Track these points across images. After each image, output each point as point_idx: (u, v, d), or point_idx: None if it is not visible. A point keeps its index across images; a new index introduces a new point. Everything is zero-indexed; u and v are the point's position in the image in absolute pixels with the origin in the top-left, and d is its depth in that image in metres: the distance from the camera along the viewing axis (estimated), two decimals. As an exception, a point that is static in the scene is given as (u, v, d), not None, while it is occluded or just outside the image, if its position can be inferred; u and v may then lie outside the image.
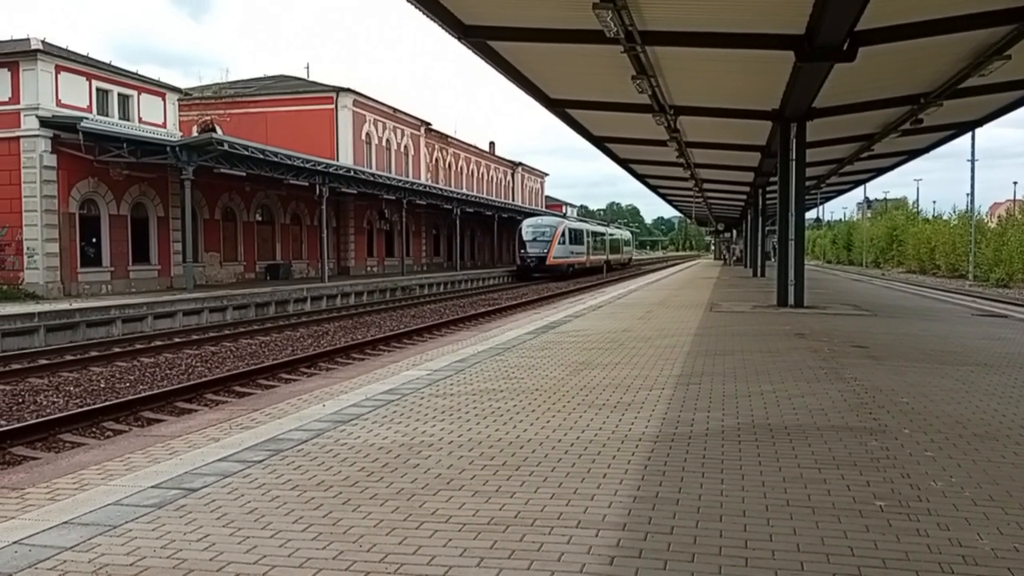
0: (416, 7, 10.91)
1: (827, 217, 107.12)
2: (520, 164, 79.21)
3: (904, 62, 13.58)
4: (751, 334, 12.41)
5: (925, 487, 4.48)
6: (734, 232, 70.92)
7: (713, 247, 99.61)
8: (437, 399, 7.24)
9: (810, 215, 62.20)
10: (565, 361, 9.49)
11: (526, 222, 53.60)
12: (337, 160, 39.29)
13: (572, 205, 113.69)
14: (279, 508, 4.19)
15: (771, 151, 21.55)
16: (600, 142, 24.50)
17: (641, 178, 38.06)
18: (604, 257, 65.64)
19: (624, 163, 31.24)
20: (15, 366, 14.04)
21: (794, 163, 17.03)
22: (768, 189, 31.78)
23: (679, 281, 34.32)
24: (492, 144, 75.78)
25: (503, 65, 14.55)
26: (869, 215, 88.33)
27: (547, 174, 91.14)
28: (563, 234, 52.49)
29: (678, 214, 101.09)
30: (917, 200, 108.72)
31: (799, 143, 16.86)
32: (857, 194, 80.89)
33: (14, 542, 3.77)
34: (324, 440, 5.74)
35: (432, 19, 11.50)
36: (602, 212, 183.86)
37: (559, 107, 18.61)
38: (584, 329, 13.43)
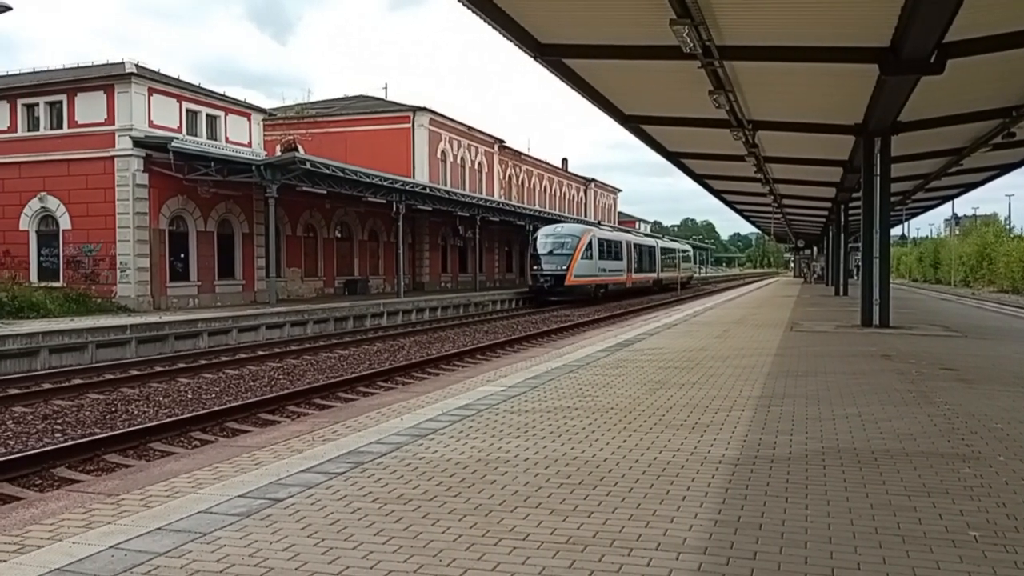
0: (494, 27, 11.07)
1: (913, 234, 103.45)
2: (593, 180, 79.09)
3: (994, 74, 13.07)
4: (834, 355, 12.06)
5: (1023, 517, 4.27)
6: (815, 249, 68.56)
7: (792, 264, 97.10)
8: (512, 415, 7.26)
9: (895, 232, 59.93)
10: (640, 380, 9.40)
11: (542, 230, 42.17)
12: (413, 178, 39.99)
13: (645, 221, 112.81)
14: (361, 520, 4.27)
15: (854, 166, 20.98)
16: (675, 158, 24.28)
17: (717, 194, 37.53)
18: (653, 275, 54.75)
19: (700, 179, 30.88)
20: (108, 376, 14.70)
21: (878, 178, 16.53)
22: (851, 205, 30.93)
23: (757, 299, 33.62)
24: (565, 161, 75.94)
25: (577, 82, 14.60)
26: (957, 232, 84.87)
27: (620, 190, 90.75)
28: (589, 245, 40.68)
29: (756, 230, 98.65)
30: (1009, 216, 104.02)
31: (883, 158, 16.37)
32: (945, 210, 78.11)
33: (111, 546, 3.94)
34: (403, 454, 5.83)
35: (509, 39, 11.64)
36: (676, 228, 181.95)
37: (634, 123, 18.55)
38: (659, 347, 13.29)
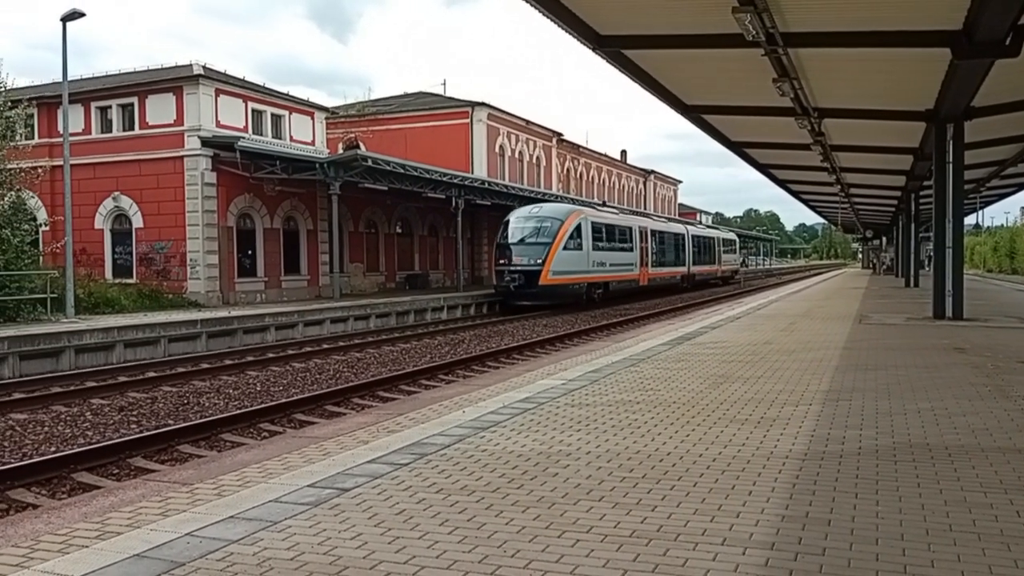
0: (553, 20, 11.04)
1: (987, 223, 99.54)
2: (652, 172, 78.29)
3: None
4: (905, 348, 11.72)
5: (1112, 518, 4.09)
6: (884, 239, 66.41)
7: (861, 255, 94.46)
8: (573, 409, 7.26)
9: (968, 220, 57.22)
10: (703, 373, 9.29)
11: (514, 212, 31.91)
12: (472, 173, 40.20)
13: (707, 212, 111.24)
14: (426, 510, 4.34)
15: (925, 154, 20.31)
16: (738, 147, 23.87)
17: (782, 183, 36.75)
18: (681, 270, 44.80)
19: (763, 168, 30.29)
20: (180, 369, 15.19)
21: (951, 166, 15.97)
22: (922, 193, 29.93)
23: (824, 291, 32.84)
24: (624, 152, 75.34)
25: (637, 73, 14.47)
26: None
27: (680, 181, 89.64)
28: (576, 231, 30.67)
29: (822, 220, 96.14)
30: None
31: (956, 145, 15.80)
32: (1021, 198, 74.84)
33: (186, 534, 4.08)
34: (465, 446, 5.88)
35: (568, 32, 11.60)
36: (739, 220, 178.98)
37: (695, 113, 18.30)
38: (722, 341, 13.10)
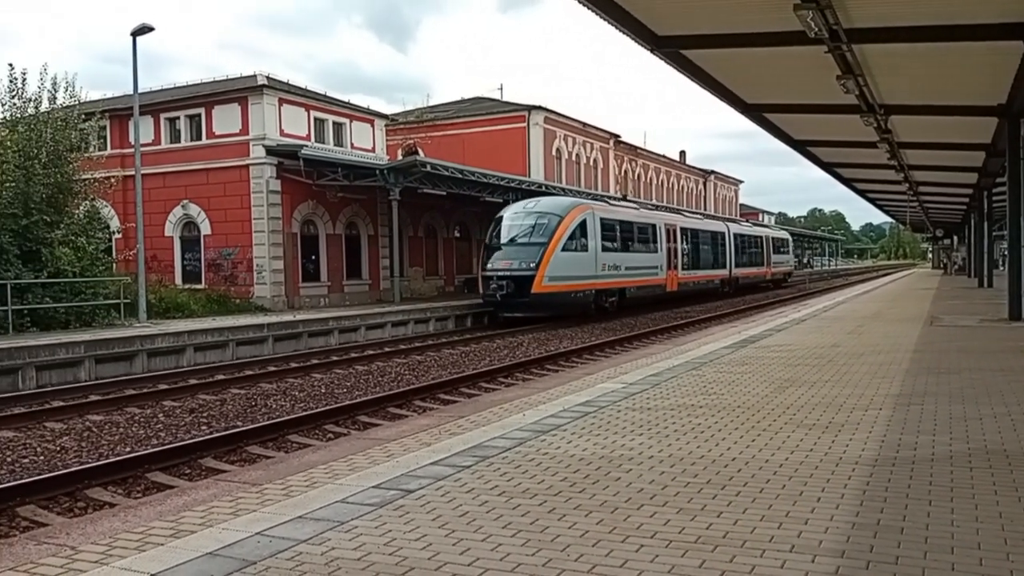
0: (609, 23, 11.01)
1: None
2: (712, 172, 77.22)
3: None
4: (979, 351, 11.32)
5: None
6: (955, 238, 64.10)
7: (931, 255, 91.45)
8: (634, 413, 7.22)
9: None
10: (768, 377, 9.12)
11: (507, 208, 27.57)
12: (528, 176, 40.25)
13: (769, 213, 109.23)
14: (489, 513, 4.36)
15: (998, 150, 19.58)
16: (801, 146, 23.40)
17: (847, 182, 35.88)
18: (720, 273, 39.57)
19: (828, 167, 29.63)
20: (248, 372, 15.58)
21: (1026, 161, 15.38)
22: (995, 191, 28.87)
23: (893, 292, 31.93)
24: (683, 153, 74.51)
25: (696, 73, 14.31)
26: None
27: (741, 181, 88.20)
28: (580, 230, 25.99)
29: (889, 220, 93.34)
30: None
31: (1032, 139, 15.21)
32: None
33: (256, 533, 4.18)
34: (526, 449, 5.90)
35: (625, 33, 11.55)
36: (803, 220, 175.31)
37: (756, 112, 18.02)
38: (787, 344, 12.85)
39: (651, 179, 62.16)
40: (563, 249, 24.92)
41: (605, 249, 27.25)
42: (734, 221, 49.57)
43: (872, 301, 25.45)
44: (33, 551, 4.45)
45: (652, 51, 12.37)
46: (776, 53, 12.97)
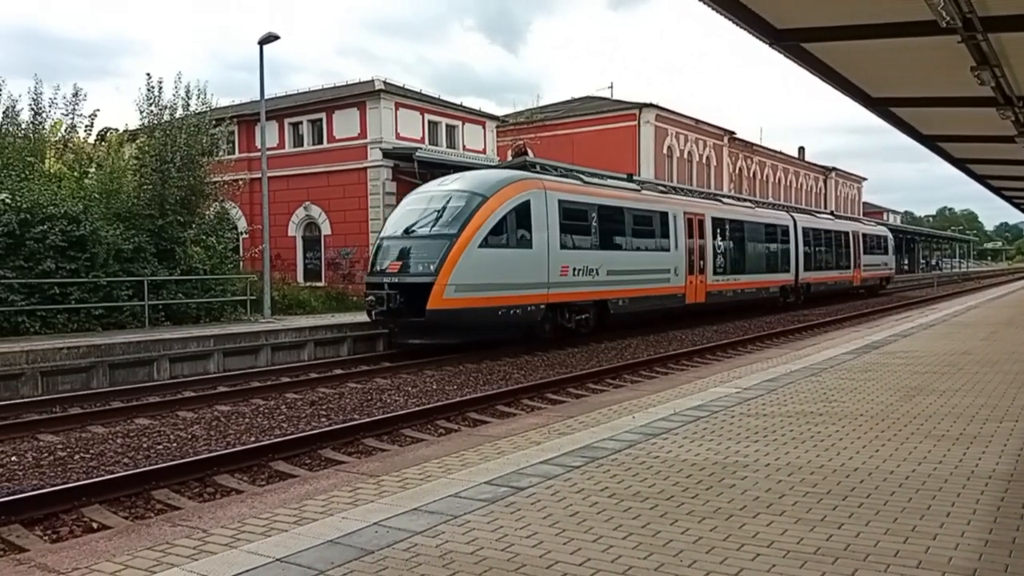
0: (726, 17, 10.73)
1: None
2: (833, 169, 74.16)
3: None
4: None
5: None
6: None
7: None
8: (749, 419, 7.04)
9: None
10: (893, 385, 8.70)
11: (417, 189, 20.32)
12: (638, 175, 39.79)
13: (895, 211, 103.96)
14: (599, 514, 4.36)
15: None
16: (930, 141, 22.13)
17: (980, 179, 33.67)
18: (780, 278, 30.34)
19: (959, 163, 27.89)
20: (363, 368, 16.07)
21: None
22: None
23: (1030, 296, 29.83)
24: (801, 149, 71.87)
25: (817, 67, 13.76)
26: None
27: (864, 178, 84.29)
28: (511, 217, 17.69)
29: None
30: None
31: None
32: None
33: (374, 523, 4.34)
34: (636, 451, 5.85)
35: (743, 27, 11.23)
36: (931, 219, 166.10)
37: (882, 106, 17.16)
38: (914, 350, 12.22)
39: (767, 177, 60.29)
40: (483, 244, 16.73)
41: (567, 245, 19.05)
42: (803, 211, 39.19)
43: (1006, 306, 23.85)
44: (168, 532, 4.76)
45: (771, 45, 11.99)
46: (903, 44, 12.33)
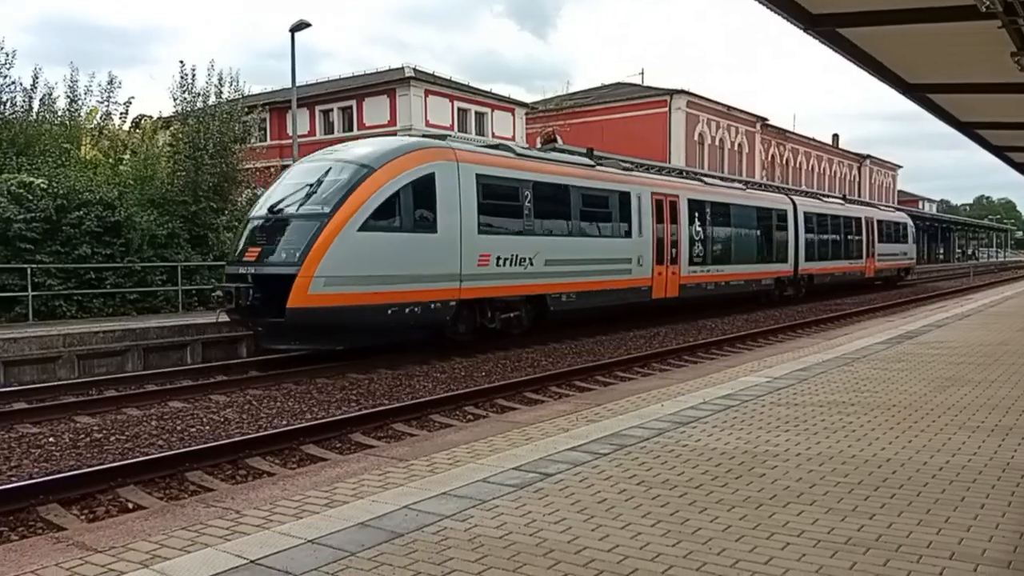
0: (761, 2, 10.60)
1: None
2: (868, 157, 73.12)
3: None
4: None
5: None
6: None
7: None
8: (779, 408, 6.98)
9: None
10: (927, 376, 8.58)
11: (294, 165, 16.54)
12: (668, 162, 39.56)
13: (931, 200, 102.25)
14: (628, 501, 4.36)
15: None
16: (968, 128, 21.70)
17: (1020, 167, 33.00)
18: (776, 269, 27.17)
19: (998, 151, 27.35)
20: (394, 352, 16.17)
21: None
22: None
23: (1070, 287, 29.20)
24: (835, 137, 70.94)
25: (853, 52, 13.55)
26: None
27: (900, 166, 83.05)
28: (405, 194, 14.03)
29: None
30: None
31: None
32: None
33: (404, 506, 4.38)
34: (665, 440, 5.84)
35: (777, 12, 11.08)
36: (967, 208, 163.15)
37: (919, 92, 16.85)
38: (949, 340, 12.03)
39: (800, 164, 59.60)
40: (364, 227, 13.42)
41: (489, 229, 15.80)
42: (807, 194, 36.48)
43: (1048, 296, 23.39)
44: (202, 513, 4.84)
45: (805, 30, 11.82)
46: (941, 29, 12.08)
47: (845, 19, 11.84)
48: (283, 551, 3.76)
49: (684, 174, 26.98)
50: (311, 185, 14.11)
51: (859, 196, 64.60)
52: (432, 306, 14.65)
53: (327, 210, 13.39)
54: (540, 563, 3.50)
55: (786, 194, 31.15)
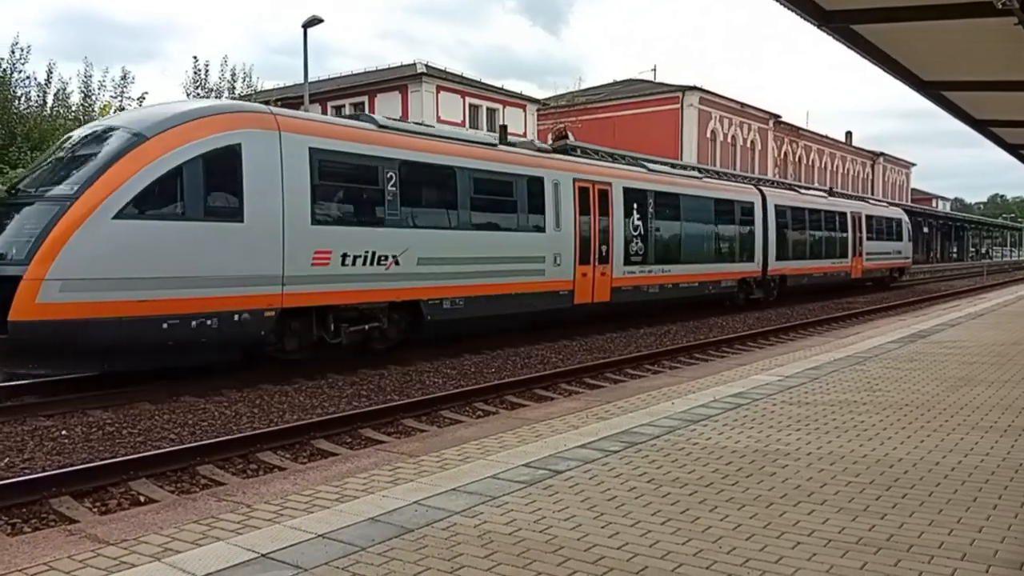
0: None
1: None
2: (881, 154, 72.70)
3: None
4: None
5: None
6: None
7: None
8: (790, 407, 6.96)
9: None
10: (939, 375, 8.54)
11: (66, 138, 12.32)
12: (680, 159, 39.43)
13: (944, 198, 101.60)
14: (637, 499, 4.36)
15: None
16: (983, 126, 21.55)
17: (1035, 166, 32.76)
18: (743, 268, 23.80)
19: (1013, 149, 27.16)
20: (404, 349, 16.21)
21: None
22: None
23: (1085, 287, 28.96)
24: (848, 134, 70.43)
25: (868, 49, 13.46)
26: None
27: (914, 164, 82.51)
28: (193, 170, 10.54)
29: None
30: None
31: None
32: None
33: (414, 502, 4.39)
34: (675, 438, 5.83)
35: (791, 8, 11.02)
36: (981, 207, 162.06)
37: (933, 90, 16.74)
38: (961, 340, 11.96)
39: (813, 162, 59.33)
40: (123, 213, 10.10)
41: (330, 219, 12.66)
42: (780, 185, 32.86)
43: (1063, 296, 23.22)
44: (213, 506, 4.87)
45: (819, 27, 11.75)
46: (957, 26, 11.99)
47: (859, 15, 11.76)
48: (294, 545, 3.77)
49: (624, 159, 22.41)
50: (63, 160, 11.09)
51: (872, 193, 64.10)
52: (237, 317, 11.16)
53: (73, 191, 10.07)
54: (549, 560, 3.50)
55: (754, 184, 27.35)
